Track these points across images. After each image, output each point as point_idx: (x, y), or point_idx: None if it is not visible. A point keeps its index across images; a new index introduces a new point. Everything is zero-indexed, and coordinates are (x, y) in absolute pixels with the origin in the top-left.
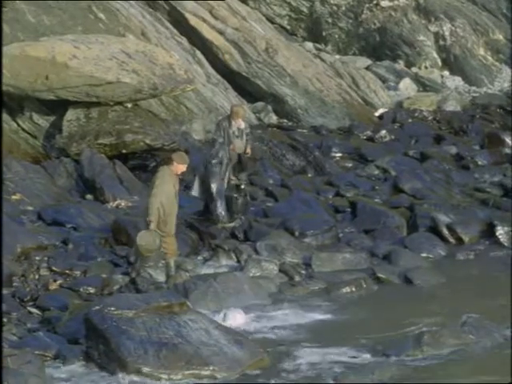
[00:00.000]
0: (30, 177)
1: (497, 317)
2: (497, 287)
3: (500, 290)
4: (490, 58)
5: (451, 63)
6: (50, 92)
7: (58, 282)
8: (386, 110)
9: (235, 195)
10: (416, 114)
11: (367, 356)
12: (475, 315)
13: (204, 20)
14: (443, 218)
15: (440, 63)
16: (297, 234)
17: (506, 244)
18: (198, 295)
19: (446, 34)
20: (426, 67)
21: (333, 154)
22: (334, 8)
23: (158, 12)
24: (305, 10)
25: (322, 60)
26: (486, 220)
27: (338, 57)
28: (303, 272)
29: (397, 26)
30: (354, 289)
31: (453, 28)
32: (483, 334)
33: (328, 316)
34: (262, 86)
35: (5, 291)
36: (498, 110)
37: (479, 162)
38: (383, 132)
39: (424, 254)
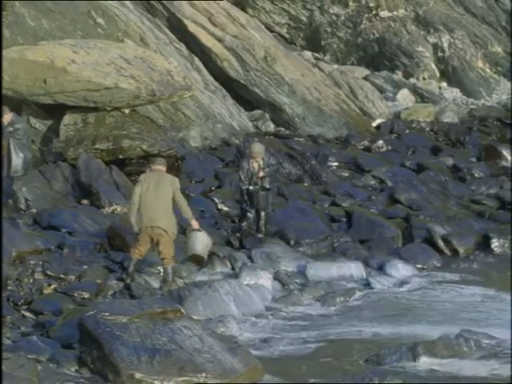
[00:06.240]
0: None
1: None
2: None
3: None
4: (488, 70)
5: (449, 75)
6: (47, 96)
7: (53, 287)
8: (384, 120)
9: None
10: (413, 125)
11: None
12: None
13: (203, 27)
14: (439, 230)
15: (438, 74)
16: (292, 242)
17: (501, 256)
18: (193, 302)
19: (445, 45)
20: (424, 78)
21: (329, 164)
22: (333, 18)
23: (157, 18)
24: (304, 19)
25: (321, 69)
26: (482, 232)
27: (336, 66)
28: (297, 281)
29: (396, 37)
30: (348, 298)
31: (451, 40)
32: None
33: (323, 325)
34: (260, 94)
35: None
36: (496, 123)
37: (476, 174)
38: (380, 142)
39: (419, 265)
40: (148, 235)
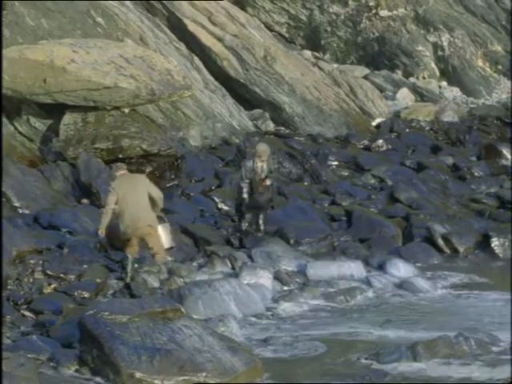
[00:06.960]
0: (27, 180)
1: None
2: None
3: None
4: (488, 69)
5: (449, 74)
6: (47, 95)
7: (53, 286)
8: (384, 119)
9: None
10: (413, 124)
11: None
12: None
13: (203, 26)
14: (439, 229)
15: (438, 74)
16: (292, 241)
17: (501, 255)
18: (193, 301)
19: (445, 44)
20: (424, 77)
21: (329, 163)
22: (333, 17)
23: (157, 17)
24: (304, 18)
25: (320, 68)
26: (482, 231)
27: (336, 65)
28: (298, 280)
29: (395, 36)
30: (348, 298)
31: (451, 39)
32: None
33: (324, 324)
34: (260, 94)
35: None
36: (496, 122)
37: (476, 173)
38: (380, 141)
39: (419, 264)
40: (135, 236)
